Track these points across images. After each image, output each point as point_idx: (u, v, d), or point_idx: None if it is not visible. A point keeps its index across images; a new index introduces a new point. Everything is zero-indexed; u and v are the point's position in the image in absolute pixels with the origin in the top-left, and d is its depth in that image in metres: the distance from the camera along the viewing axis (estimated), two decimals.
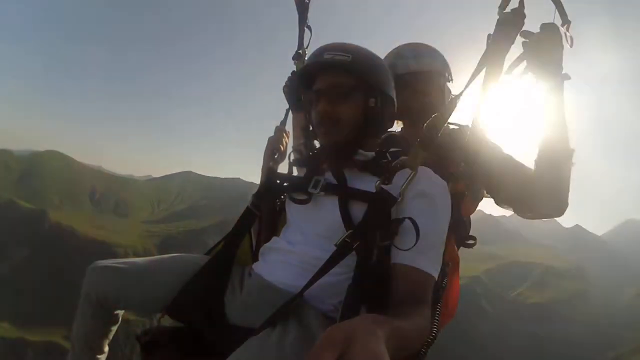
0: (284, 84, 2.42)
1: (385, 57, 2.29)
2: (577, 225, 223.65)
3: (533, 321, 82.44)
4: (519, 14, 1.67)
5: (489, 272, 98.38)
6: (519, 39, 1.73)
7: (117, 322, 1.84)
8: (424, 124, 1.59)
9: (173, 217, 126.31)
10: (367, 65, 1.70)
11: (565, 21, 1.80)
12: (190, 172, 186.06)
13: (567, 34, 1.78)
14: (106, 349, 1.86)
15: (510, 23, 1.67)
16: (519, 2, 1.68)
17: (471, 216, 2.09)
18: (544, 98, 1.78)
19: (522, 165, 1.93)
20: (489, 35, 1.70)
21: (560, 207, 1.80)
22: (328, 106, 1.65)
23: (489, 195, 2.08)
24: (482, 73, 1.68)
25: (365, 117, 1.70)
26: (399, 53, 2.28)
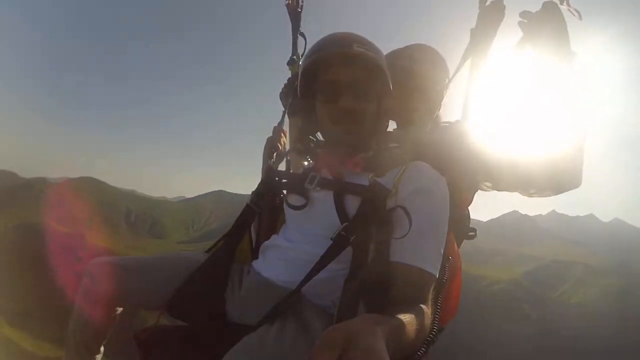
0: (280, 90, 2.46)
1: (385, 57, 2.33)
2: (616, 219, 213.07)
3: (577, 321, 79.46)
4: (498, 6, 1.71)
5: (528, 274, 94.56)
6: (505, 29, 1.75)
7: (115, 321, 1.81)
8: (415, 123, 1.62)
9: (207, 236, 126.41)
10: (385, 64, 1.67)
11: None
12: (222, 191, 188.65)
13: (570, 8, 1.76)
14: (102, 349, 1.83)
15: (491, 15, 1.71)
16: None
17: (507, 218, 2.00)
18: (551, 77, 1.77)
19: (522, 151, 1.94)
20: (471, 30, 1.74)
21: (575, 182, 1.80)
22: (353, 102, 1.59)
23: (486, 187, 2.09)
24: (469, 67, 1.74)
25: (378, 116, 1.69)
26: (399, 54, 2.27)
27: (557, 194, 1.89)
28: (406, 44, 2.37)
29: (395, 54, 2.28)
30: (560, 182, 1.81)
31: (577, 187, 1.80)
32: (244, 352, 1.25)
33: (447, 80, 2.19)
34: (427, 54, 2.25)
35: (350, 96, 1.58)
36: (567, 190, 1.84)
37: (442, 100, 2.18)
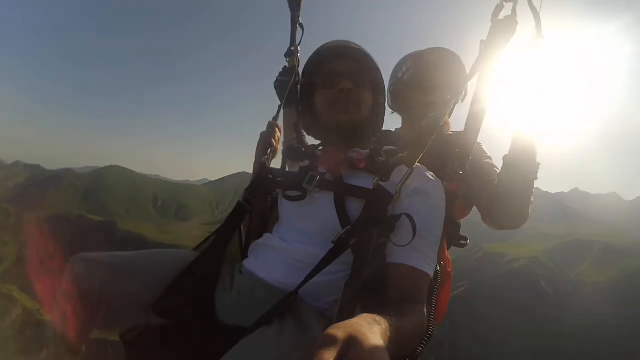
0: (275, 79, 2.34)
1: (413, 53, 2.43)
2: (639, 198, 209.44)
3: (594, 302, 77.60)
4: (511, 21, 1.70)
5: (548, 252, 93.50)
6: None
7: (98, 321, 1.65)
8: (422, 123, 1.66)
9: None
10: (379, 67, 1.79)
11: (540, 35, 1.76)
12: (245, 173, 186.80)
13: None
14: (83, 348, 1.69)
15: (503, 30, 1.70)
16: (512, 10, 1.70)
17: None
18: (518, 109, 1.80)
19: (495, 174, 1.94)
20: (481, 42, 1.74)
21: (516, 221, 1.83)
22: (351, 85, 1.65)
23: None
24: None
25: (373, 112, 1.76)
26: (428, 50, 2.35)
27: (498, 228, 1.93)
28: (416, 49, 2.45)
29: (424, 50, 2.35)
30: (506, 217, 1.85)
31: (517, 227, 1.85)
32: (243, 354, 1.21)
33: (464, 91, 2.08)
34: (454, 57, 2.29)
35: (348, 81, 1.64)
36: (507, 228, 1.90)
37: (457, 103, 2.07)
